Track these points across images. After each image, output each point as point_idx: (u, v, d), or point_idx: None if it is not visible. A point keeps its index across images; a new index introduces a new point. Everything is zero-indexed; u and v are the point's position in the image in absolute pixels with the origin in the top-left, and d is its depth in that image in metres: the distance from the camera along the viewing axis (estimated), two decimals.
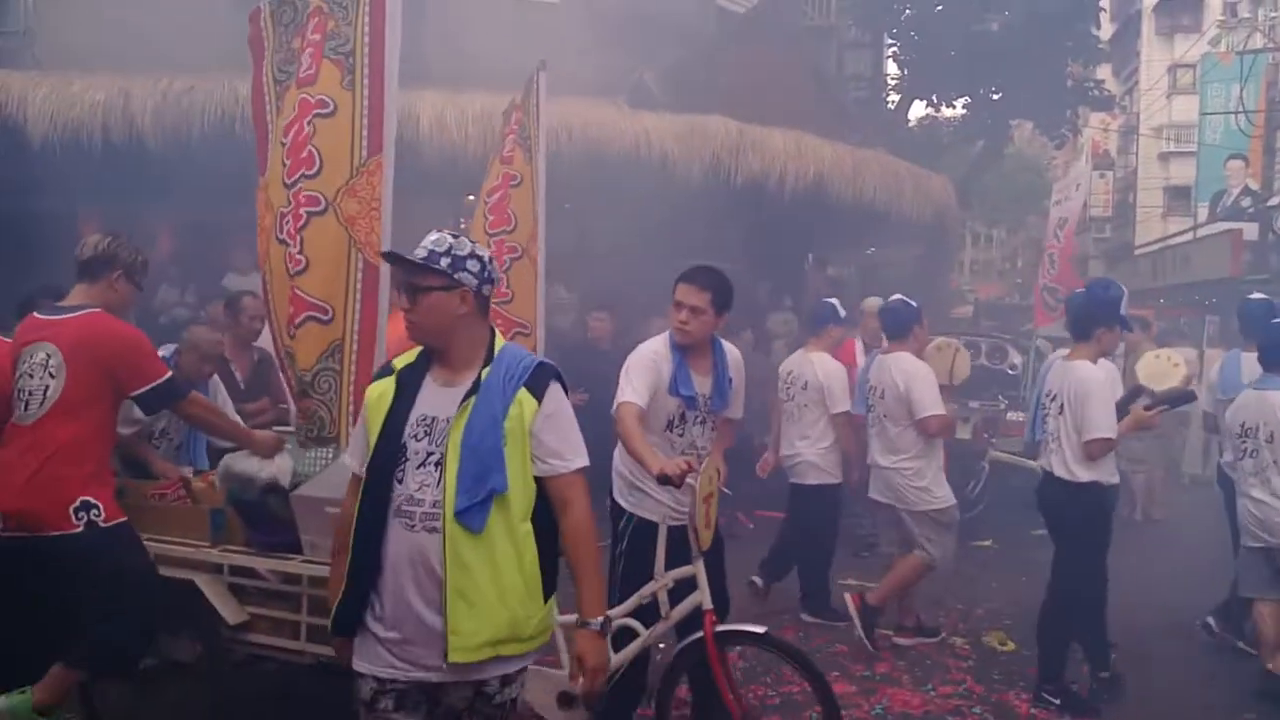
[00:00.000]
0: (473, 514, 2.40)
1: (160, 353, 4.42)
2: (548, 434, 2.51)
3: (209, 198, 7.39)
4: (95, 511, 3.37)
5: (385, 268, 3.57)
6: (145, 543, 3.58)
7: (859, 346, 7.98)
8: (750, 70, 9.91)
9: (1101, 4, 16.34)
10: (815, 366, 6.05)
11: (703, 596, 3.56)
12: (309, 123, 3.62)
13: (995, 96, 15.77)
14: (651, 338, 4.06)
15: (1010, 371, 9.83)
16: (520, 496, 2.48)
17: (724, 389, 3.96)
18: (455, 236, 2.58)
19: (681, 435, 3.90)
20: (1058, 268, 12.86)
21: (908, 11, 15.46)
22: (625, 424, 3.65)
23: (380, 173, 3.58)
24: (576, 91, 9.04)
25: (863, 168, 9.95)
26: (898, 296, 5.90)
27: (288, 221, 3.60)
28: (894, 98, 17.56)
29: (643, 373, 3.80)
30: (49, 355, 3.40)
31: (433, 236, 2.56)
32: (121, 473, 4.00)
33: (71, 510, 3.33)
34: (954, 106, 16.90)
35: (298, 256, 3.59)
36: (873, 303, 8.17)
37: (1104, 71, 32.64)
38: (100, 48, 8.39)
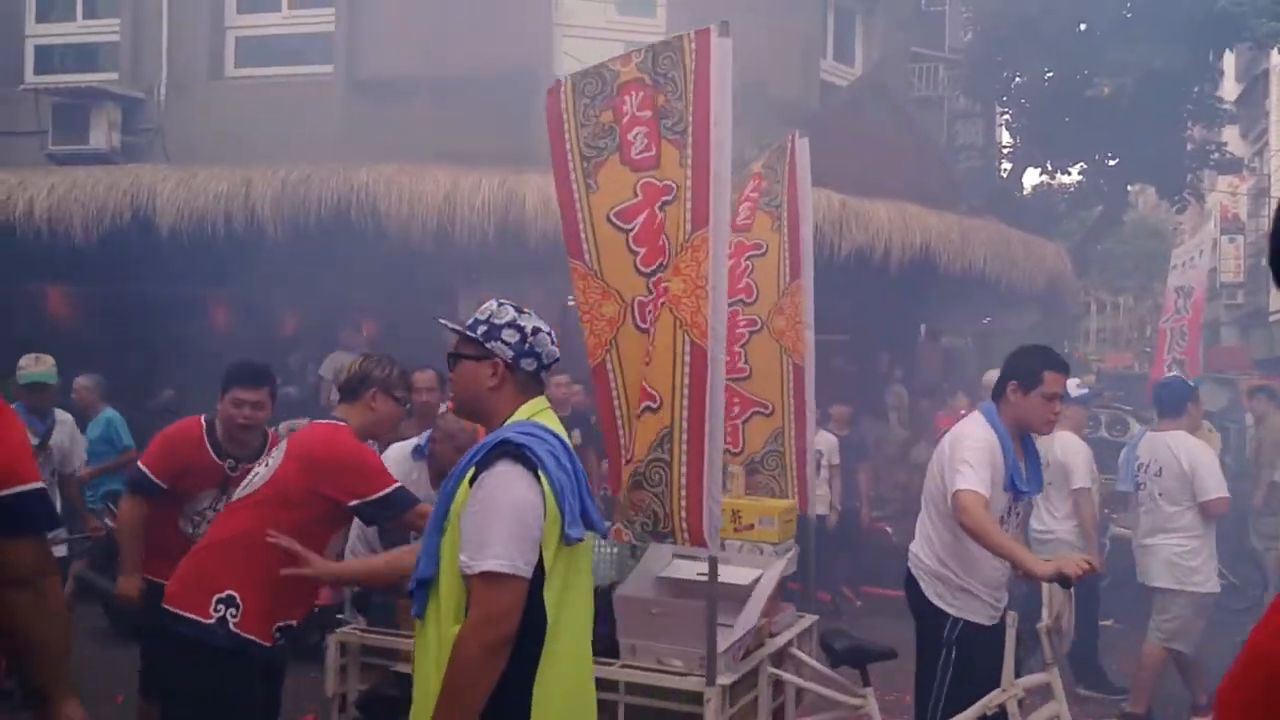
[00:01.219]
0: (414, 598, 2.25)
1: (415, 441, 4.48)
2: (465, 522, 2.16)
3: (325, 280, 7.68)
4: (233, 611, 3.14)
5: (716, 350, 3.31)
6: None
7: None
8: (854, 143, 9.84)
9: (1222, 66, 15.83)
10: (1055, 444, 5.89)
11: (1060, 708, 3.34)
12: (663, 209, 3.47)
13: (1111, 162, 15.30)
14: (966, 422, 3.87)
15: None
16: (451, 593, 2.18)
17: (1039, 473, 3.83)
18: (501, 305, 2.41)
19: (1006, 531, 3.64)
20: (1188, 339, 12.18)
21: (1018, 79, 15.20)
22: (980, 518, 3.38)
23: (705, 248, 3.34)
24: None
25: (971, 236, 9.73)
26: (1174, 373, 5.98)
27: (649, 310, 3.45)
28: (1007, 166, 17.22)
29: (985, 462, 3.54)
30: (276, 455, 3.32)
31: (485, 304, 2.42)
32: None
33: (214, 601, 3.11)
34: (1069, 173, 16.47)
35: (648, 350, 3.44)
36: (992, 376, 7.94)
37: (1230, 133, 31.52)
38: (224, 142, 8.87)
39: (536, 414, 2.35)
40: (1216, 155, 16.98)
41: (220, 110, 9.42)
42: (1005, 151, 17.56)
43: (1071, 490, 5.88)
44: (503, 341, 2.35)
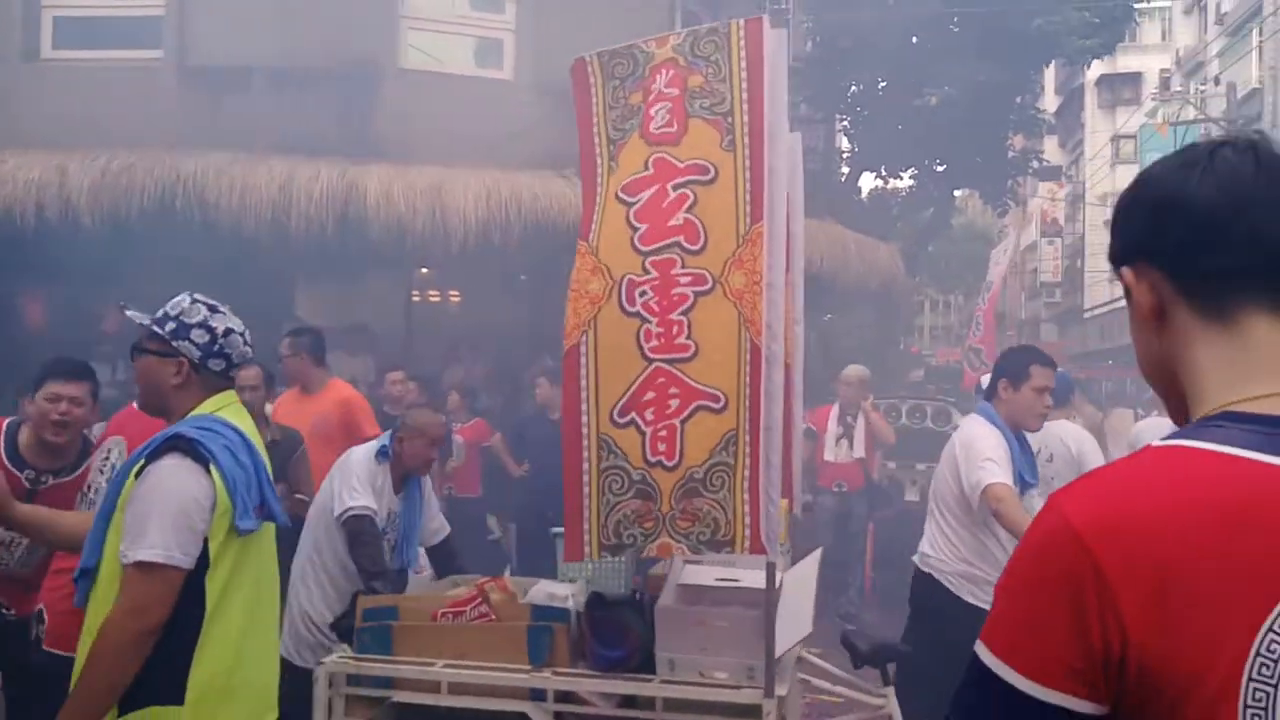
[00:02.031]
0: (78, 585, 2.28)
1: (383, 441, 4.18)
2: (128, 512, 2.21)
3: (147, 277, 7.31)
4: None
5: (776, 348, 3.15)
6: (440, 673, 3.12)
7: (834, 413, 8.31)
8: None
9: (1042, 80, 16.90)
10: (1069, 439, 6.25)
11: None
12: (689, 189, 3.26)
13: (939, 168, 16.14)
14: (971, 424, 3.92)
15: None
16: (113, 582, 2.20)
17: (1036, 467, 3.87)
18: (194, 303, 2.42)
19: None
20: (982, 329, 13.07)
21: (855, 88, 15.84)
22: (1016, 507, 3.36)
23: (761, 242, 3.17)
24: (526, 166, 9.11)
25: (809, 238, 10.01)
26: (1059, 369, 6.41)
27: (644, 293, 3.23)
28: (845, 170, 17.94)
29: (1004, 457, 3.56)
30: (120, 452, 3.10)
31: (176, 299, 2.42)
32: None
33: None
34: (901, 178, 17.27)
35: (684, 343, 3.18)
36: (853, 371, 8.40)
37: (1050, 143, 33.62)
38: (39, 127, 8.32)
39: (221, 408, 2.39)
40: (1036, 164, 18.12)
41: (35, 94, 8.81)
42: (844, 156, 18.29)
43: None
44: (191, 341, 2.36)
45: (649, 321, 3.19)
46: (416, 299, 10.90)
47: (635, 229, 3.25)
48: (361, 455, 4.18)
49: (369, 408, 5.88)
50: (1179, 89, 25.06)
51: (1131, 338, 1.18)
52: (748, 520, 3.08)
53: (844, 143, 18.57)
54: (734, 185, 3.22)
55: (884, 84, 15.24)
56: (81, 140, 8.17)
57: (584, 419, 3.23)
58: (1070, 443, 5.49)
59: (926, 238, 18.01)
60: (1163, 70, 30.82)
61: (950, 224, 20.79)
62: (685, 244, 3.20)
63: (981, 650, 1.02)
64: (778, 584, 3.34)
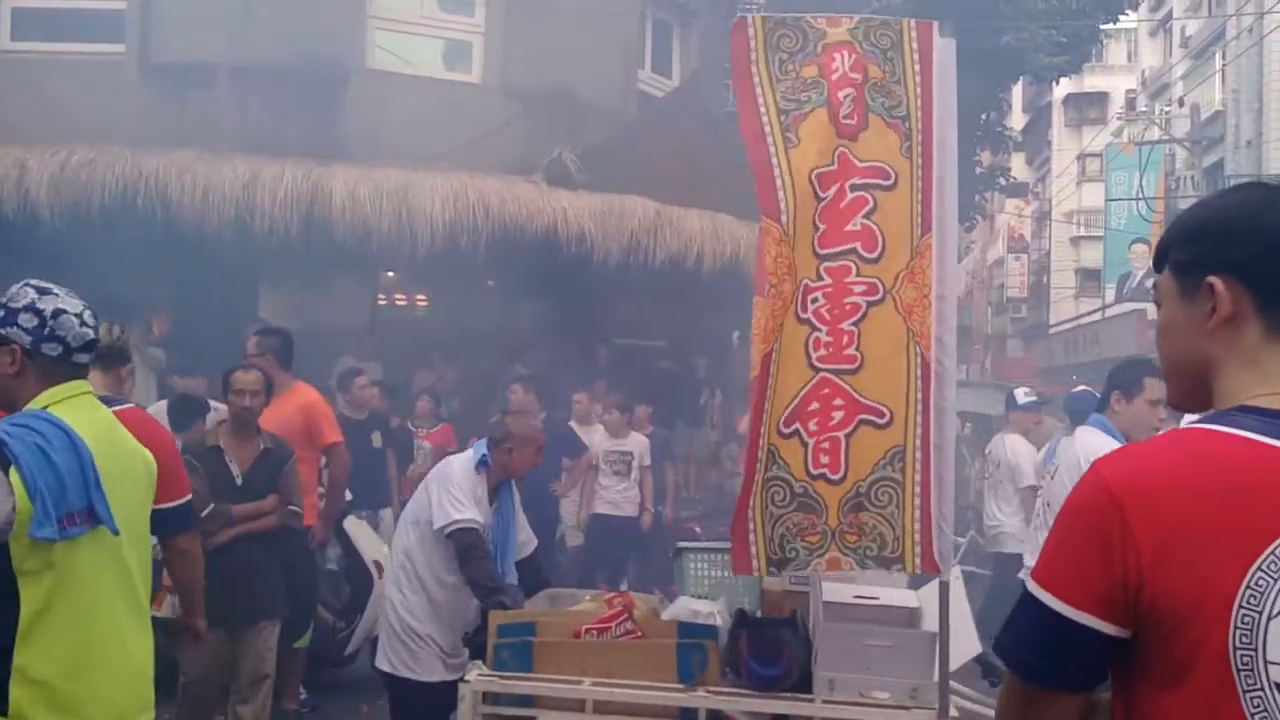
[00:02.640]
0: None
1: (480, 451, 4.04)
2: None
3: (107, 274, 7.18)
4: None
5: (948, 363, 3.09)
6: (589, 691, 3.03)
7: None
8: (669, 152, 10.03)
9: (1010, 97, 17.08)
10: (1005, 446, 7.09)
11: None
12: (868, 192, 3.10)
13: None
14: (1089, 435, 4.02)
15: None
16: None
17: None
18: (23, 287, 2.31)
19: None
20: None
21: None
22: None
23: (930, 254, 3.08)
24: (494, 169, 9.06)
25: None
26: (1083, 387, 6.86)
27: (815, 300, 3.08)
28: None
29: None
30: None
31: (13, 287, 2.32)
32: None
33: None
34: None
35: (852, 354, 3.06)
36: None
37: (1017, 160, 33.98)
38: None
39: (59, 401, 2.29)
40: (1003, 180, 18.30)
41: None
42: None
43: (1019, 488, 6.75)
44: (19, 327, 2.26)
45: (819, 330, 3.06)
46: (383, 302, 10.81)
47: (817, 229, 3.08)
48: (461, 466, 4.05)
49: (331, 413, 5.80)
50: (1144, 109, 25.44)
51: (1161, 335, 1.43)
52: (918, 537, 3.01)
53: None
54: (909, 194, 3.12)
55: None
56: (41, 134, 8.02)
57: (762, 428, 3.09)
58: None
59: None
60: (1128, 90, 31.29)
61: None
62: (862, 251, 3.07)
63: (1029, 582, 1.30)
64: (918, 602, 3.31)
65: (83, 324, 2.33)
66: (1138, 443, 1.36)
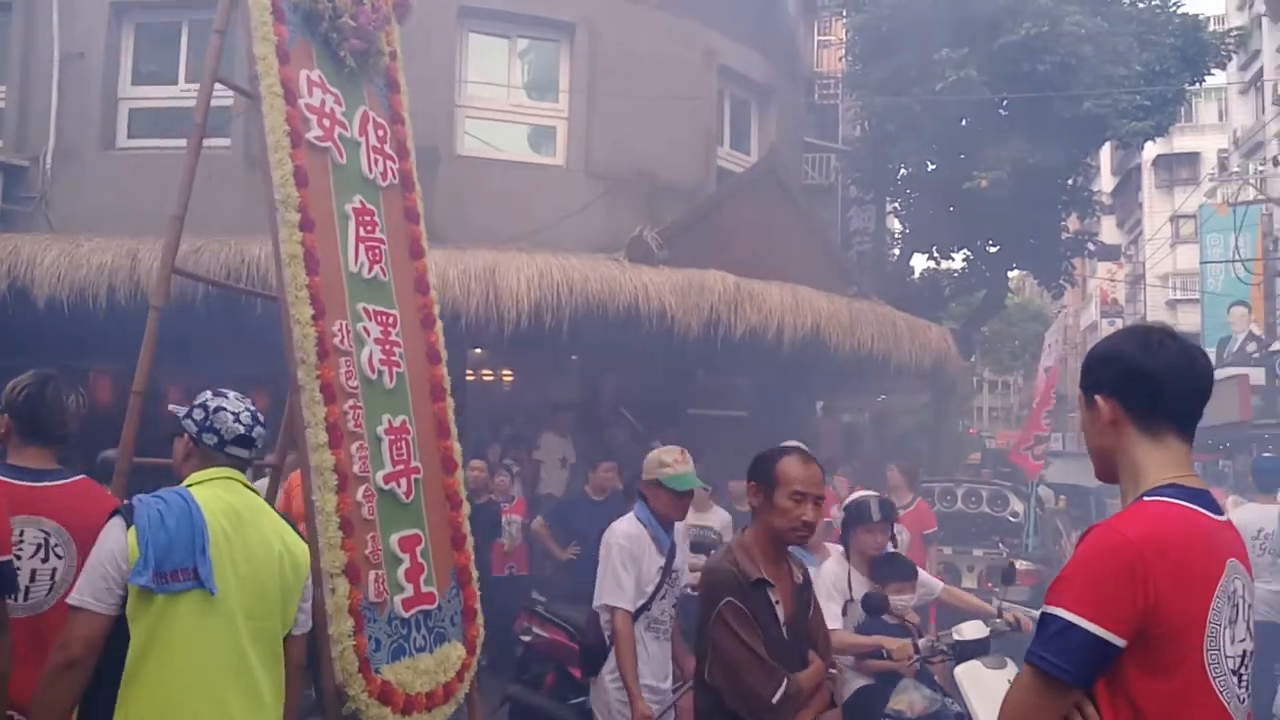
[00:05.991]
0: None
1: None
2: None
3: (212, 356, 7.52)
4: None
5: None
6: None
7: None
8: (748, 227, 10.15)
9: (1097, 162, 16.81)
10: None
11: None
12: None
13: (992, 249, 16.05)
14: None
15: (1011, 519, 9.74)
16: None
17: None
18: (206, 390, 2.80)
19: None
20: (1044, 417, 12.68)
21: (903, 170, 15.92)
22: None
23: None
24: (578, 248, 9.27)
25: (859, 318, 10.07)
26: (1270, 454, 6.77)
27: None
28: (896, 251, 17.94)
29: None
30: (47, 533, 2.93)
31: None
32: None
33: None
34: (953, 258, 17.21)
35: None
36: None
37: (1108, 223, 33.35)
38: (112, 213, 8.67)
39: (199, 481, 2.68)
40: (1092, 245, 17.94)
41: (110, 181, 9.23)
42: (895, 237, 18.29)
43: None
44: (191, 419, 2.74)
45: None
46: (470, 378, 11.05)
47: None
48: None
49: None
50: (1237, 169, 24.79)
51: (1085, 433, 1.99)
52: None
53: (894, 224, 18.62)
54: None
55: (932, 166, 15.30)
56: (152, 226, 8.48)
57: None
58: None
59: (980, 318, 17.85)
60: (1220, 150, 30.54)
61: (1005, 304, 20.58)
62: None
63: (1058, 611, 1.75)
64: None
65: (236, 420, 2.74)
66: (1130, 511, 1.84)
